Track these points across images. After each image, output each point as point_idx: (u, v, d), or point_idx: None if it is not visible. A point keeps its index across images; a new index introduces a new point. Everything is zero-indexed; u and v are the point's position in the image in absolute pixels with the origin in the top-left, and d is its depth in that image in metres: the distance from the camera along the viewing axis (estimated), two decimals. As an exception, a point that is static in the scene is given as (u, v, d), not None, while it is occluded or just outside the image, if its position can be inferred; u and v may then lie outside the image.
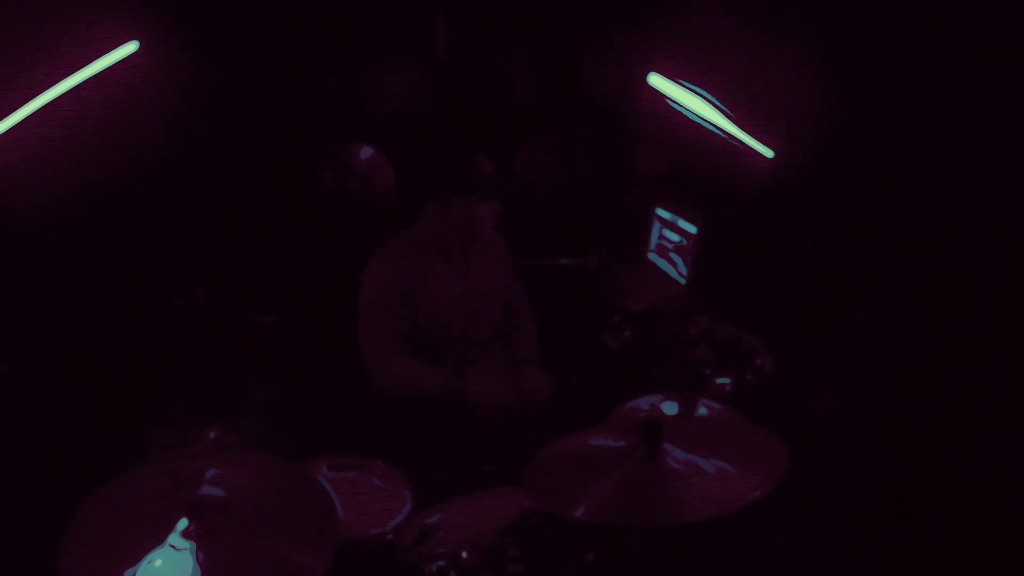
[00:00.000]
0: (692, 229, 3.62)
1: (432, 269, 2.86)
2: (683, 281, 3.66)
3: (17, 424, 3.06)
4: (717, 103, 3.35)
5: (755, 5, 3.27)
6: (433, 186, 2.81)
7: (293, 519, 1.75)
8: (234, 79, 3.99)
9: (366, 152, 4.18)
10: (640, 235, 4.05)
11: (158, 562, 1.60)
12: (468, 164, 2.79)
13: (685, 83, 3.48)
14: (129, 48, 3.11)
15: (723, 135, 3.36)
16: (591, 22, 4.25)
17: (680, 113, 3.53)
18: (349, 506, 2.18)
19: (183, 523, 1.64)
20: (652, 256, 3.98)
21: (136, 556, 1.61)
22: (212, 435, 2.29)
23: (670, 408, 2.58)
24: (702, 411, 2.56)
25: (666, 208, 3.87)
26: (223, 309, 3.92)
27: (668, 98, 3.57)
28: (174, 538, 1.63)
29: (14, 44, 2.98)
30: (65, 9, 3.06)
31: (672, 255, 3.78)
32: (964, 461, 2.20)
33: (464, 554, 2.07)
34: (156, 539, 1.63)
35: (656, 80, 3.61)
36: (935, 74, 2.66)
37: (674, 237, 3.77)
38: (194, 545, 1.63)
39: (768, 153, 3.27)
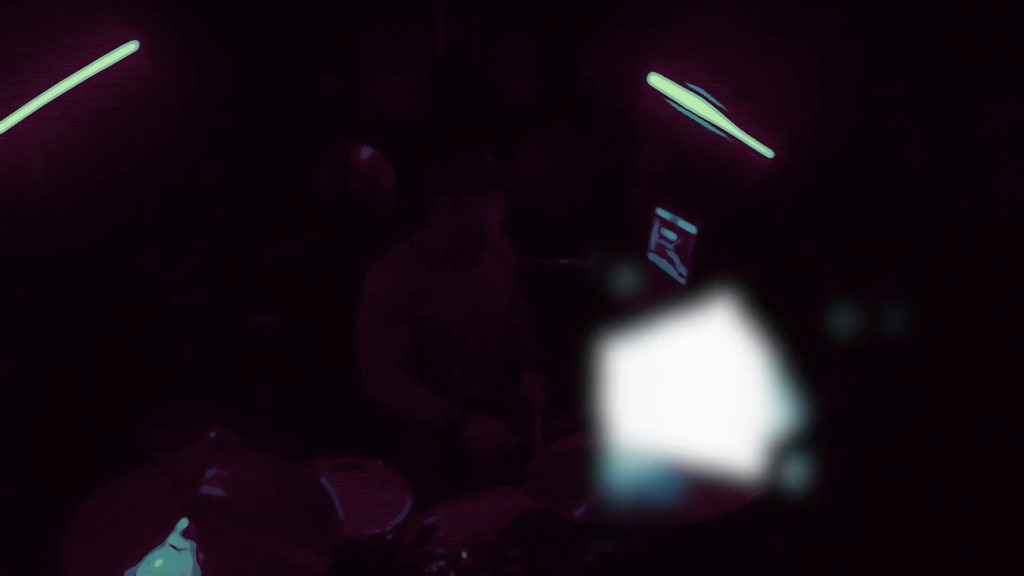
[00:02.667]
0: (692, 229, 3.62)
1: (436, 276, 2.80)
2: (683, 281, 3.66)
3: (17, 424, 3.06)
4: (717, 103, 3.34)
5: (755, 5, 3.27)
6: (443, 182, 2.76)
7: (293, 519, 1.75)
8: (234, 79, 3.99)
9: (366, 152, 4.18)
10: (640, 235, 4.05)
11: (158, 562, 1.61)
12: (477, 159, 2.76)
13: (685, 83, 3.48)
14: (129, 48, 3.11)
15: (723, 135, 3.36)
16: (591, 22, 4.25)
17: (680, 113, 3.53)
18: (349, 506, 2.18)
19: (183, 523, 1.64)
20: (652, 256, 3.97)
21: (136, 556, 1.61)
22: (212, 435, 2.29)
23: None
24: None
25: (666, 208, 3.87)
26: (223, 309, 3.92)
27: (668, 98, 3.57)
28: (174, 538, 1.63)
29: (14, 44, 2.98)
30: (65, 9, 3.06)
31: (672, 255, 3.78)
32: (964, 461, 2.20)
33: (464, 554, 2.07)
34: (156, 539, 1.63)
35: (656, 80, 3.60)
36: (935, 74, 2.66)
37: (674, 237, 3.76)
38: (194, 545, 1.63)
39: (768, 153, 3.26)
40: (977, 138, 2.56)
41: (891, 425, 2.36)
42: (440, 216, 2.79)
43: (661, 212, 3.91)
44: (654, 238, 3.96)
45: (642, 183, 4.21)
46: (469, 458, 2.71)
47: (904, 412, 2.32)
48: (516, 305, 3.09)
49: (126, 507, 1.71)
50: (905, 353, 2.36)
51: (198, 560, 1.61)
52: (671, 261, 3.79)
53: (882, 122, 2.87)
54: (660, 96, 3.61)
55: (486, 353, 2.93)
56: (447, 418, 2.67)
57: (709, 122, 3.40)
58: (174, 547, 1.62)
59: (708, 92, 3.37)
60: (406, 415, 2.73)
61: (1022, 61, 2.42)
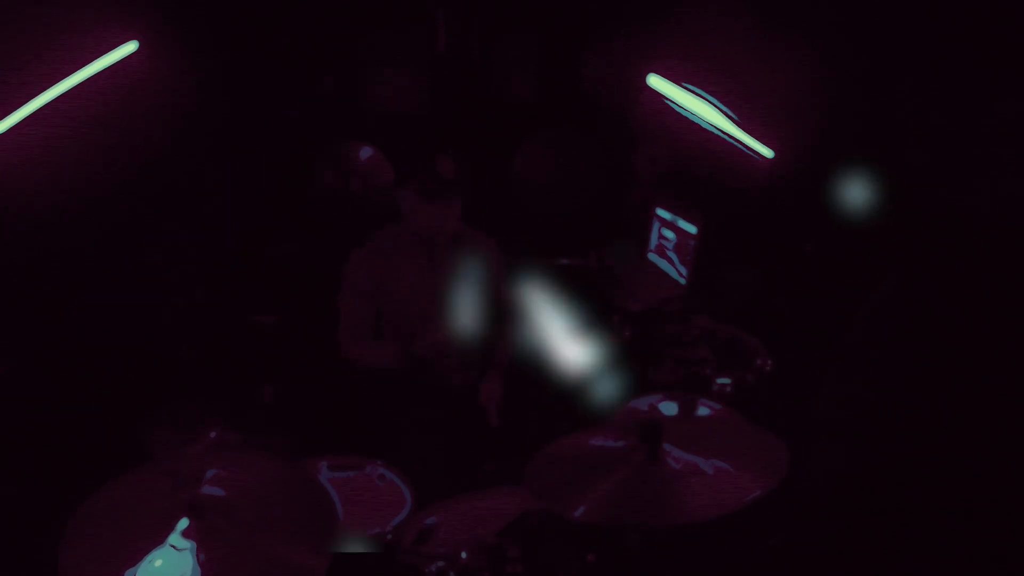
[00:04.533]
0: (692, 229, 3.62)
1: (407, 262, 2.96)
2: (683, 281, 3.66)
3: (17, 424, 3.06)
4: (717, 103, 3.35)
5: (755, 5, 3.27)
6: (400, 184, 2.98)
7: (293, 519, 1.75)
8: (234, 79, 3.99)
9: (366, 152, 4.18)
10: (640, 235, 4.05)
11: (158, 562, 1.61)
12: (427, 168, 2.86)
13: (685, 84, 3.48)
14: (129, 48, 3.11)
15: (723, 135, 3.36)
16: (591, 22, 4.25)
17: (680, 113, 3.53)
18: (349, 506, 2.18)
19: (183, 523, 1.64)
20: (652, 256, 3.97)
21: (136, 556, 1.61)
22: (212, 435, 2.29)
23: (670, 408, 2.58)
24: (702, 411, 2.56)
25: (666, 208, 3.87)
26: (223, 309, 3.92)
27: (668, 98, 3.57)
28: (174, 538, 1.63)
29: (14, 44, 2.98)
30: (65, 9, 3.06)
31: (672, 255, 3.78)
32: (964, 461, 2.20)
33: (464, 554, 2.07)
34: (156, 539, 1.63)
35: (655, 81, 3.61)
36: (935, 74, 2.66)
37: (674, 237, 3.77)
38: (194, 545, 1.63)
39: (768, 153, 3.26)
40: (977, 138, 2.56)
41: (891, 423, 2.36)
42: (403, 212, 2.97)
43: (661, 212, 3.91)
44: (654, 238, 3.96)
45: (642, 183, 4.21)
46: (470, 451, 2.77)
47: (905, 410, 2.32)
48: (498, 305, 3.13)
49: (126, 507, 1.71)
50: (906, 351, 2.36)
51: (198, 560, 1.61)
52: (671, 261, 3.79)
53: (882, 122, 2.87)
54: (660, 96, 3.61)
55: (452, 338, 2.98)
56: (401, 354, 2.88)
57: (709, 122, 3.41)
58: (174, 547, 1.62)
59: (708, 92, 3.38)
60: (382, 365, 2.95)
61: (1022, 61, 2.42)
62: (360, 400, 3.06)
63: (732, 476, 1.88)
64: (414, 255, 2.99)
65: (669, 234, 3.81)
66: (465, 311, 3.03)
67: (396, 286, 2.96)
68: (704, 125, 3.43)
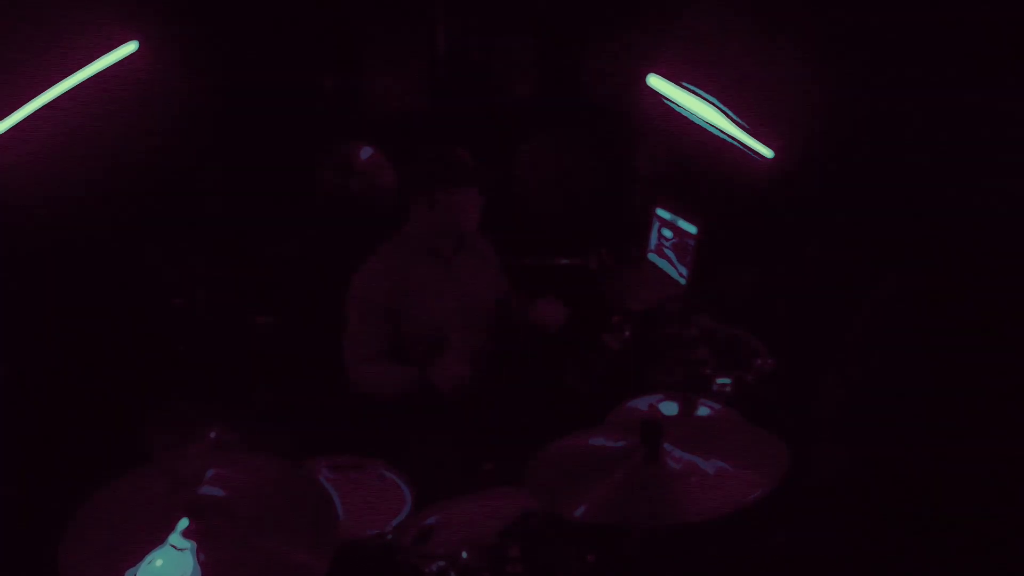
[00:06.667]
0: (692, 229, 3.62)
1: (418, 272, 2.89)
2: (683, 281, 3.66)
3: (17, 424, 3.06)
4: (717, 103, 3.34)
5: (755, 5, 3.27)
6: (416, 181, 2.88)
7: (293, 519, 1.75)
8: (234, 79, 3.98)
9: (366, 152, 4.18)
10: (640, 235, 4.05)
11: (158, 562, 1.61)
12: (447, 156, 2.85)
13: (685, 84, 3.48)
14: (129, 48, 3.11)
15: (723, 135, 3.36)
16: (591, 22, 4.25)
17: (680, 113, 3.53)
18: (349, 506, 2.18)
19: (183, 523, 1.64)
20: (652, 256, 3.97)
21: (136, 556, 1.61)
22: (212, 435, 2.29)
23: (670, 408, 2.58)
24: (702, 411, 2.56)
25: (666, 208, 3.87)
26: (223, 309, 3.92)
27: (668, 99, 3.57)
28: (174, 538, 1.63)
29: (14, 44, 2.98)
30: (65, 9, 3.07)
31: (672, 255, 3.78)
32: (964, 461, 2.20)
33: (464, 554, 2.07)
34: (156, 539, 1.63)
35: (655, 82, 3.61)
36: (935, 73, 2.66)
37: (674, 237, 3.76)
38: (194, 545, 1.63)
39: (768, 153, 3.26)
40: (977, 138, 2.56)
41: (892, 423, 2.36)
42: (417, 214, 2.90)
43: (661, 212, 3.91)
44: (654, 238, 3.96)
45: (642, 183, 4.21)
46: (470, 451, 2.74)
47: (906, 410, 2.32)
48: (505, 303, 3.12)
49: (126, 507, 1.71)
50: (905, 352, 2.37)
51: (198, 560, 1.61)
52: (671, 261, 3.79)
53: (883, 122, 2.87)
54: (660, 96, 3.61)
55: (472, 347, 2.96)
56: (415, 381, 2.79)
57: (709, 122, 3.40)
58: (174, 547, 1.62)
59: (708, 92, 3.37)
60: (391, 392, 2.84)
61: (1022, 61, 2.42)
62: (360, 400, 3.05)
63: (732, 476, 1.88)
64: (429, 264, 2.92)
65: (669, 234, 3.81)
66: (479, 321, 3.00)
67: (415, 300, 2.88)
68: (704, 125, 3.42)
